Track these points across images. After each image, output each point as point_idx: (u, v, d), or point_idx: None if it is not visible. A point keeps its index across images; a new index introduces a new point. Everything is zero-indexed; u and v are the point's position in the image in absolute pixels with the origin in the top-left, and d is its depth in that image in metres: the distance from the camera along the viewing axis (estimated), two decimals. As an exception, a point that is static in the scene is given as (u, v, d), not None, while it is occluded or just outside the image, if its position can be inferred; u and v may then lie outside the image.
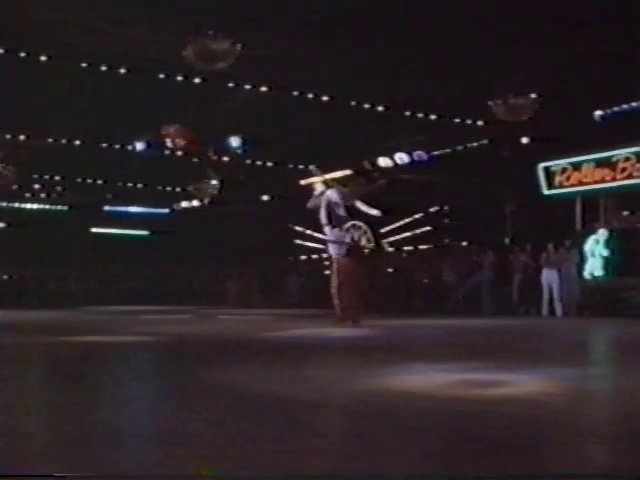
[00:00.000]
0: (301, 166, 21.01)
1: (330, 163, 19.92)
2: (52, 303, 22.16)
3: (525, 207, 18.24)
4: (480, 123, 16.68)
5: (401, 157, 19.20)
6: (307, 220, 16.98)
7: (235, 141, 18.42)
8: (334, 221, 12.39)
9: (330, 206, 12.38)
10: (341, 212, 12.51)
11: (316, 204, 12.61)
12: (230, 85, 15.21)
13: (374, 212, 12.62)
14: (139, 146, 18.78)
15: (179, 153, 18.55)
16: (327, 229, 12.44)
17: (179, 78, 14.55)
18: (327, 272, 14.26)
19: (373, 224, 12.60)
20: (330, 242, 12.41)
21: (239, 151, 18.89)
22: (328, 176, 13.91)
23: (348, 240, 12.23)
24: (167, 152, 18.41)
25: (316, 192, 12.74)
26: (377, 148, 19.28)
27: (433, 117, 16.65)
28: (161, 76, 14.51)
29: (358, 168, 19.56)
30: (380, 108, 16.16)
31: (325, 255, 12.89)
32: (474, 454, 2.91)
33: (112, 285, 27.57)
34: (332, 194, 12.54)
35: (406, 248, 21.85)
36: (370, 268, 19.58)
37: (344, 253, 12.18)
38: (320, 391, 4.70)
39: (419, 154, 18.55)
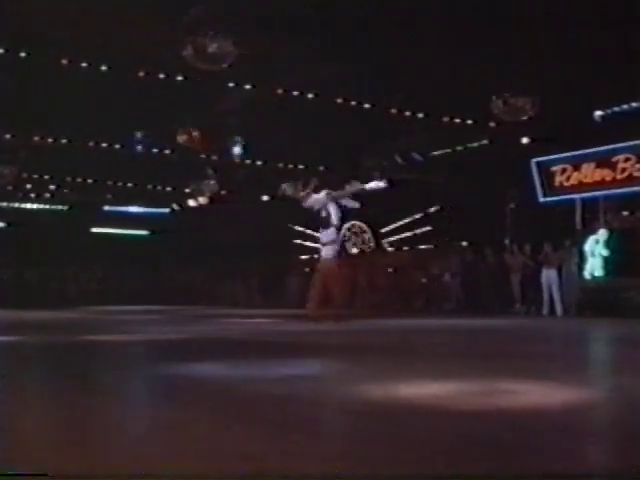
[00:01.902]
0: (301, 166, 21.08)
1: (330, 163, 20.01)
2: (52, 303, 22.14)
3: (525, 207, 18.24)
4: (480, 123, 16.71)
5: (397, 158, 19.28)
6: (307, 220, 16.99)
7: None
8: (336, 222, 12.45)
9: (335, 207, 12.41)
10: (341, 212, 12.56)
11: (316, 204, 12.59)
12: (230, 85, 15.26)
13: (355, 205, 12.77)
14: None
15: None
16: (331, 230, 12.41)
17: (179, 78, 14.59)
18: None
19: (373, 224, 12.67)
20: (330, 243, 12.39)
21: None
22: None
23: (340, 241, 12.28)
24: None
25: (318, 194, 12.68)
26: (376, 148, 19.31)
27: (433, 117, 16.69)
28: (161, 76, 14.55)
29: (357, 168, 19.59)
30: (379, 108, 16.19)
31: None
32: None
33: (112, 285, 27.58)
34: (337, 195, 12.58)
35: (406, 248, 21.86)
36: (368, 268, 19.66)
37: (335, 254, 12.21)
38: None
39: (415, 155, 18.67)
